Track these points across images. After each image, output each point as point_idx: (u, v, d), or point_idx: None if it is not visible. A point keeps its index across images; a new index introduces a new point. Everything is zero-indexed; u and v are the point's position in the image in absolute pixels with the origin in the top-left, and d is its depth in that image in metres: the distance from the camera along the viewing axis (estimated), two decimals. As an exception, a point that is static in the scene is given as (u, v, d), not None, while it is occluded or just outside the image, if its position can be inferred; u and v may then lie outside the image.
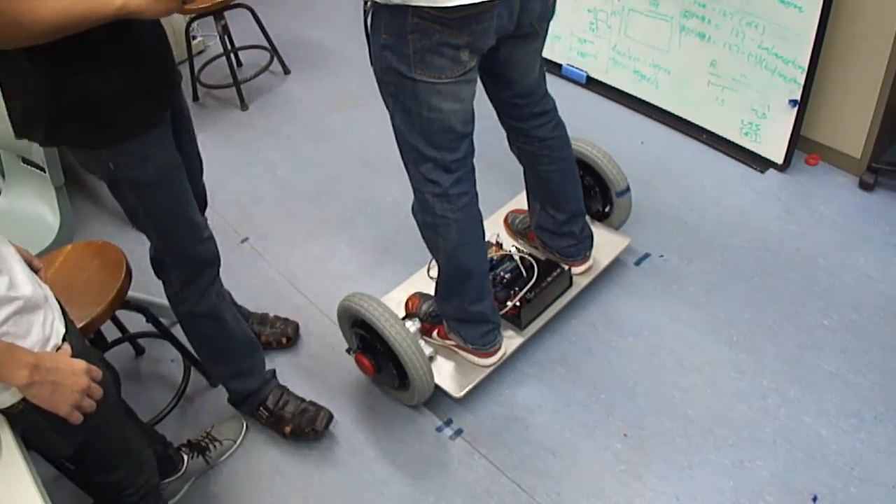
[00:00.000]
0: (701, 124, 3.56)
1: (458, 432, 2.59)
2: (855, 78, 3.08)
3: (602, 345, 2.77)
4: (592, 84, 3.99)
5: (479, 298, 2.51)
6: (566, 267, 2.81)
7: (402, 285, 2.96)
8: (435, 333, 2.71)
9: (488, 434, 2.57)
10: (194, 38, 4.74)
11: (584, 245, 2.84)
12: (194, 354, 2.64)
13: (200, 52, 4.93)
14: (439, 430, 2.61)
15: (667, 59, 3.60)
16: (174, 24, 4.68)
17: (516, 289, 2.71)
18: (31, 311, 1.52)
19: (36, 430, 1.58)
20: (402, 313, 2.79)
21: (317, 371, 2.87)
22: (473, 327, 2.57)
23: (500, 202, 3.26)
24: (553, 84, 4.06)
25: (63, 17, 1.63)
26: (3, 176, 3.29)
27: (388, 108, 2.24)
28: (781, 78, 3.17)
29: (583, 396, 2.62)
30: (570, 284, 2.83)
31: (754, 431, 2.44)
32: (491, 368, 2.64)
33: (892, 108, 3.01)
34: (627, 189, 2.92)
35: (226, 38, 4.39)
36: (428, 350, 2.65)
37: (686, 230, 3.14)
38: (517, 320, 2.71)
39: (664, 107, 3.70)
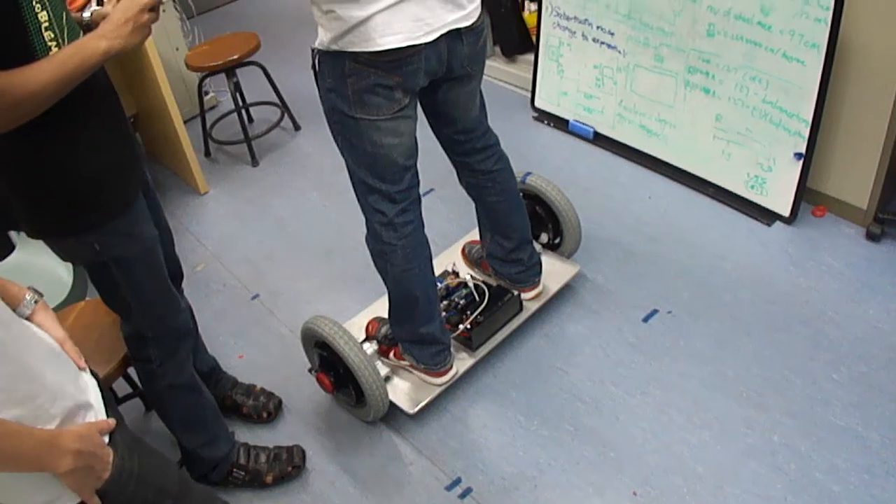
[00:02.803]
0: (707, 178, 3.58)
1: (468, 491, 2.58)
2: (859, 129, 3.11)
3: (611, 402, 2.76)
4: (599, 139, 4.02)
5: (429, 321, 2.68)
6: (516, 292, 2.99)
7: (365, 311, 3.12)
8: (391, 354, 2.86)
9: (497, 493, 2.56)
10: (206, 93, 4.80)
11: (532, 271, 3.01)
12: (171, 430, 2.59)
13: (212, 108, 4.99)
14: (448, 488, 2.60)
15: (672, 114, 3.63)
16: (186, 79, 4.76)
17: (468, 313, 2.90)
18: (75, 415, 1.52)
19: None
20: (362, 336, 2.95)
21: (325, 428, 2.88)
22: (424, 348, 2.73)
23: (460, 235, 3.40)
24: (560, 140, 4.14)
25: (60, 77, 1.66)
26: (18, 231, 3.32)
27: (337, 145, 2.46)
28: (786, 131, 3.20)
29: (592, 454, 2.61)
30: (521, 309, 3.02)
31: (765, 488, 2.42)
32: (443, 387, 2.79)
33: (896, 159, 3.03)
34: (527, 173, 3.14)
35: (237, 94, 4.46)
36: (384, 370, 2.80)
37: (693, 285, 3.14)
38: (469, 342, 2.88)
39: (671, 161, 3.72)
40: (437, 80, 2.38)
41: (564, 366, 2.91)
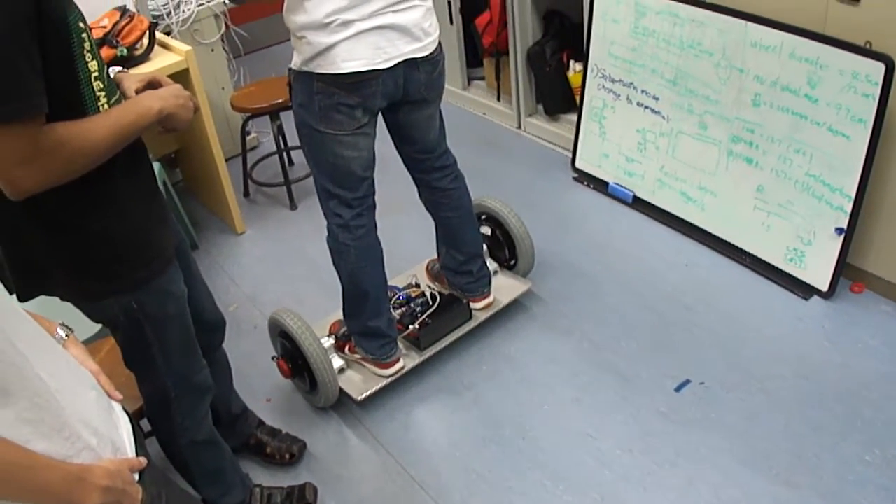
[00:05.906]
0: (746, 248, 3.56)
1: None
2: (902, 208, 3.09)
3: (638, 471, 2.72)
4: (638, 204, 4.01)
5: (377, 315, 2.97)
6: (465, 301, 3.28)
7: (334, 313, 3.32)
8: (346, 349, 3.16)
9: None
10: (248, 133, 4.83)
11: (481, 283, 3.30)
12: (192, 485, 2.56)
13: (253, 148, 5.03)
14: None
15: (714, 182, 3.62)
16: (230, 119, 4.81)
17: (420, 316, 3.18)
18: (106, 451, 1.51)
19: None
20: (325, 333, 3.25)
21: (346, 477, 2.87)
22: (373, 340, 3.01)
23: (429, 254, 3.55)
24: (599, 201, 4.14)
25: (116, 133, 1.70)
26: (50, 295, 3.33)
27: (305, 156, 2.82)
28: (828, 205, 3.18)
29: (617, 523, 2.57)
30: (470, 317, 3.30)
31: (792, 571, 2.38)
32: (390, 379, 3.07)
33: (938, 240, 3.00)
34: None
35: (280, 137, 4.48)
36: (339, 363, 3.11)
37: (727, 356, 3.11)
38: (417, 342, 3.16)
39: (709, 229, 3.70)
40: (397, 104, 2.70)
41: (593, 431, 2.88)
